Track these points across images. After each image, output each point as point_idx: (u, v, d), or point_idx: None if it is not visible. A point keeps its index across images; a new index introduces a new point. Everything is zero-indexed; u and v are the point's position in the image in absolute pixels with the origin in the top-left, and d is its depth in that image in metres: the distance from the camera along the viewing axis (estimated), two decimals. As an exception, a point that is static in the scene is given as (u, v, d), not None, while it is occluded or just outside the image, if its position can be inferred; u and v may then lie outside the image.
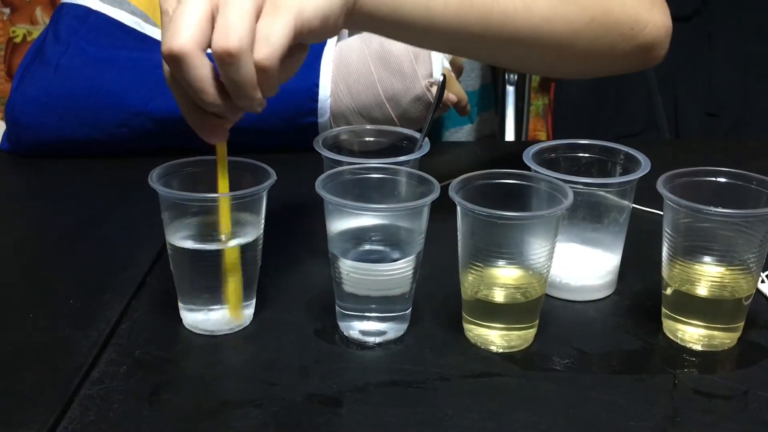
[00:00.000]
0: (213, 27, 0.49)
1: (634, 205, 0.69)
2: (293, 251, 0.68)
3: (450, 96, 0.84)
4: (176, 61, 0.49)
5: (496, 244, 0.54)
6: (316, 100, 0.85)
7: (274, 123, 0.87)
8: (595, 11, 0.67)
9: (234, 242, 0.55)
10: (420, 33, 0.61)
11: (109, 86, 0.85)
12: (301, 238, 0.70)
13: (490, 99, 1.10)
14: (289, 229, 0.72)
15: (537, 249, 0.54)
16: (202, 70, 0.49)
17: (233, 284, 0.56)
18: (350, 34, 0.90)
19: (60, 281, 0.64)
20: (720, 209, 0.51)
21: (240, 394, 0.50)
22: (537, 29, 0.65)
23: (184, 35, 0.48)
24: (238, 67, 0.49)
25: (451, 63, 0.88)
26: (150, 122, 0.86)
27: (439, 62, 0.83)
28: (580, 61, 0.72)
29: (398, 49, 0.83)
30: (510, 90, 1.40)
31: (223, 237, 0.55)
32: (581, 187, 0.58)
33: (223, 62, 0.49)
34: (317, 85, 0.85)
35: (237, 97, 0.51)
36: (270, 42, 0.49)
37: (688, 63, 1.75)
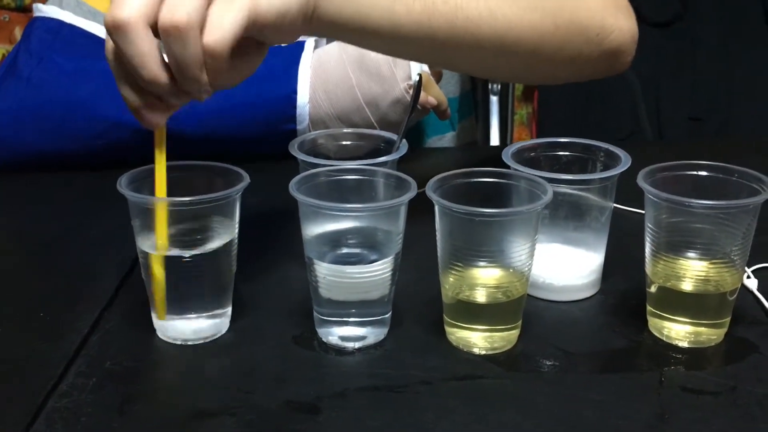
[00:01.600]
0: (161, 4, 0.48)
1: (616, 205, 0.69)
2: (270, 258, 0.67)
3: (429, 99, 0.83)
4: (119, 32, 0.47)
5: (476, 244, 0.52)
6: (295, 107, 0.84)
7: (253, 131, 0.86)
8: (560, 17, 0.67)
9: (206, 246, 0.54)
10: (385, 40, 0.60)
11: (84, 98, 0.84)
12: (279, 244, 0.69)
13: (470, 106, 1.10)
14: (267, 235, 0.70)
15: (517, 247, 0.53)
16: (145, 44, 0.48)
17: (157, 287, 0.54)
18: (328, 42, 0.89)
19: (32, 294, 0.62)
20: (700, 201, 0.50)
21: (214, 403, 0.49)
22: (503, 35, 0.64)
23: (129, 6, 0.47)
24: (184, 44, 0.48)
25: (430, 67, 0.87)
26: (126, 133, 0.84)
27: (417, 65, 0.82)
28: (547, 67, 0.72)
29: (376, 53, 0.82)
30: (494, 100, 1.40)
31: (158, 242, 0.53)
32: (563, 186, 0.57)
33: (169, 36, 0.48)
34: (295, 92, 0.84)
35: (181, 77, 0.49)
36: (221, 27, 0.48)
37: (670, 68, 1.75)
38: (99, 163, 0.87)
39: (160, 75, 0.49)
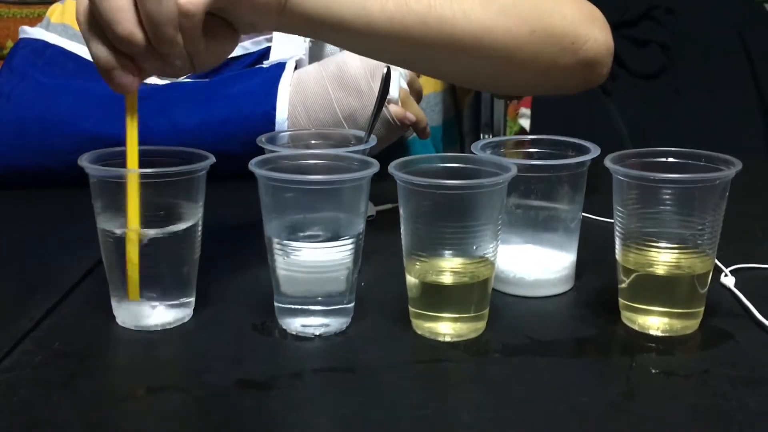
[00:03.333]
0: None
1: (589, 215, 0.68)
2: (236, 253, 0.65)
3: (408, 115, 0.83)
4: None
5: (440, 223, 0.51)
6: (273, 123, 0.84)
7: (232, 147, 0.85)
8: (535, 24, 0.68)
9: (169, 228, 0.53)
10: (358, 37, 0.60)
11: (62, 113, 0.84)
12: (248, 241, 0.67)
13: (454, 135, 1.10)
14: (236, 234, 0.69)
15: (482, 227, 0.51)
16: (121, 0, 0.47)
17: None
18: (310, 62, 0.90)
19: (-11, 288, 0.61)
20: (666, 175, 0.49)
21: (163, 381, 0.47)
22: (477, 38, 0.64)
23: None
24: (159, 0, 0.47)
25: (410, 85, 0.88)
26: (104, 147, 0.84)
27: (396, 80, 0.82)
28: (522, 74, 0.72)
29: (354, 68, 0.83)
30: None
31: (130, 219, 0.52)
32: (533, 172, 0.56)
33: None
34: (274, 108, 0.84)
35: (155, 36, 0.49)
36: None
37: (657, 118, 1.77)
38: (75, 179, 0.86)
39: (136, 32, 0.48)
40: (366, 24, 0.59)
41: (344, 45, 0.64)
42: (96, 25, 0.49)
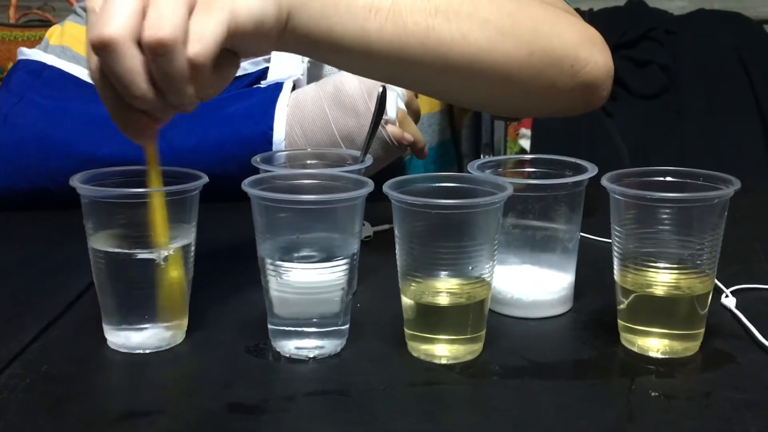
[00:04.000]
0: (143, 21, 0.48)
1: (584, 235, 0.67)
2: (228, 272, 0.64)
3: (406, 135, 0.83)
4: (107, 49, 0.47)
5: (436, 242, 0.50)
6: (271, 143, 0.84)
7: (228, 168, 0.85)
8: (534, 46, 0.67)
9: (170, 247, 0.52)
10: (356, 57, 0.60)
11: (59, 134, 0.84)
12: (239, 260, 0.66)
13: (450, 156, 1.09)
14: (228, 254, 0.68)
15: (477, 248, 0.51)
16: (134, 61, 0.48)
17: (172, 294, 0.52)
18: (308, 82, 0.90)
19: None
20: (663, 194, 0.49)
21: (152, 404, 0.46)
22: (475, 59, 0.64)
23: (115, 23, 0.47)
24: (171, 59, 0.47)
25: (408, 106, 0.87)
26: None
27: (393, 101, 0.82)
28: (521, 96, 0.71)
29: (352, 89, 0.82)
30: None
31: (160, 242, 0.52)
32: (530, 191, 0.56)
33: (156, 53, 0.47)
34: (272, 129, 0.84)
35: (169, 91, 0.49)
36: (203, 39, 0.48)
37: (658, 139, 1.77)
38: (71, 201, 0.86)
39: (149, 91, 0.48)
40: (364, 45, 0.59)
41: (342, 66, 0.64)
42: (109, 84, 0.49)
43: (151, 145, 0.53)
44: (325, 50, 0.59)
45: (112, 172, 0.56)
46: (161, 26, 0.47)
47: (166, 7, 0.48)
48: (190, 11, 0.49)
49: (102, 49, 0.47)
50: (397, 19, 0.60)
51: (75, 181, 0.52)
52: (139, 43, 0.48)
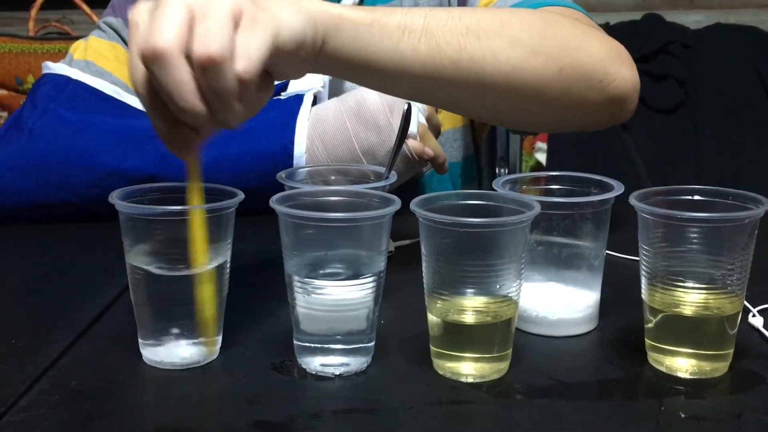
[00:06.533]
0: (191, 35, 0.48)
1: (613, 253, 0.67)
2: (252, 287, 0.64)
3: (426, 150, 0.83)
4: (158, 60, 0.47)
5: (463, 261, 0.50)
6: (292, 157, 0.84)
7: (249, 181, 0.85)
8: (563, 62, 0.68)
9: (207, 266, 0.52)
10: (389, 78, 0.60)
11: (83, 147, 0.84)
12: (262, 275, 0.67)
13: (473, 171, 1.09)
14: (251, 269, 0.68)
15: (505, 266, 0.51)
16: (184, 72, 0.47)
17: (211, 310, 0.52)
18: (330, 95, 0.90)
19: (4, 324, 0.60)
20: (693, 213, 0.48)
21: (180, 422, 0.46)
22: (506, 77, 0.64)
23: (167, 34, 0.47)
24: (221, 75, 0.48)
25: (428, 120, 0.87)
26: (123, 182, 0.83)
27: (415, 115, 0.82)
28: (551, 112, 0.72)
29: (373, 103, 0.83)
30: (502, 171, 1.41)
31: (199, 260, 0.52)
32: (555, 209, 0.56)
33: (206, 69, 0.47)
34: (292, 142, 0.84)
35: (218, 107, 0.49)
36: (248, 55, 0.49)
37: (675, 152, 1.76)
38: (93, 214, 0.86)
39: (198, 105, 0.48)
40: (399, 65, 0.59)
41: (375, 86, 0.64)
42: (156, 96, 0.49)
43: (194, 160, 0.52)
44: (360, 71, 0.59)
45: (149, 188, 0.55)
46: (210, 41, 0.47)
47: (213, 23, 0.48)
48: (236, 25, 0.49)
49: (153, 60, 0.47)
50: (430, 39, 0.60)
51: (114, 199, 0.52)
52: (188, 57, 0.48)
